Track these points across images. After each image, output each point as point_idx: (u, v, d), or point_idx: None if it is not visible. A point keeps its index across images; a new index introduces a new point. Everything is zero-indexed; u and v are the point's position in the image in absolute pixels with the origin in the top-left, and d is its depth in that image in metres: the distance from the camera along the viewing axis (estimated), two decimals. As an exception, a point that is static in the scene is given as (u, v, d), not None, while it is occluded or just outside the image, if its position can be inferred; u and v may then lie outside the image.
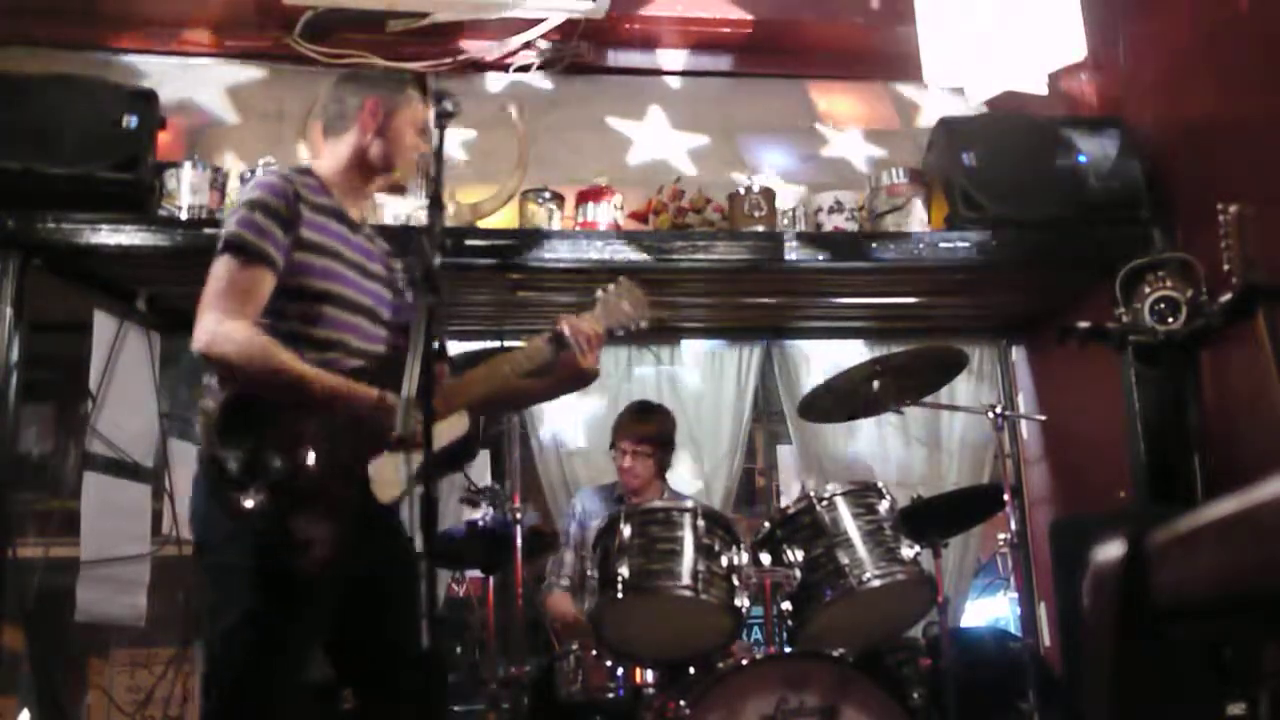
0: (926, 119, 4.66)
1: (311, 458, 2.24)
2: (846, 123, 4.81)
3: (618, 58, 4.75)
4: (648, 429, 4.01)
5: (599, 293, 2.75)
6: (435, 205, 2.14)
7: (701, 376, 4.98)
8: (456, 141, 4.43)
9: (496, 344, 3.21)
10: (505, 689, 3.47)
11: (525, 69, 4.59)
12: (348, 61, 4.42)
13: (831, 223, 4.18)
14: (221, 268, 2.34)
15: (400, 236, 3.81)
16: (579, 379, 2.69)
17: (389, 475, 2.34)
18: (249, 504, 2.16)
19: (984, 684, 3.62)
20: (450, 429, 2.43)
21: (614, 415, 4.25)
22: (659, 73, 4.78)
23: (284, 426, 2.25)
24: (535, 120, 4.39)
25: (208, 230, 3.82)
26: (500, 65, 4.57)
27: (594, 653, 3.31)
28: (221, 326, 2.27)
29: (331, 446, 2.27)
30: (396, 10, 4.38)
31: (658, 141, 4.64)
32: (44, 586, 3.91)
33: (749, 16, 4.66)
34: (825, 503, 3.21)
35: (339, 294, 2.44)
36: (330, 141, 2.63)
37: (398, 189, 2.73)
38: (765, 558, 3.19)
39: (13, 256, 3.66)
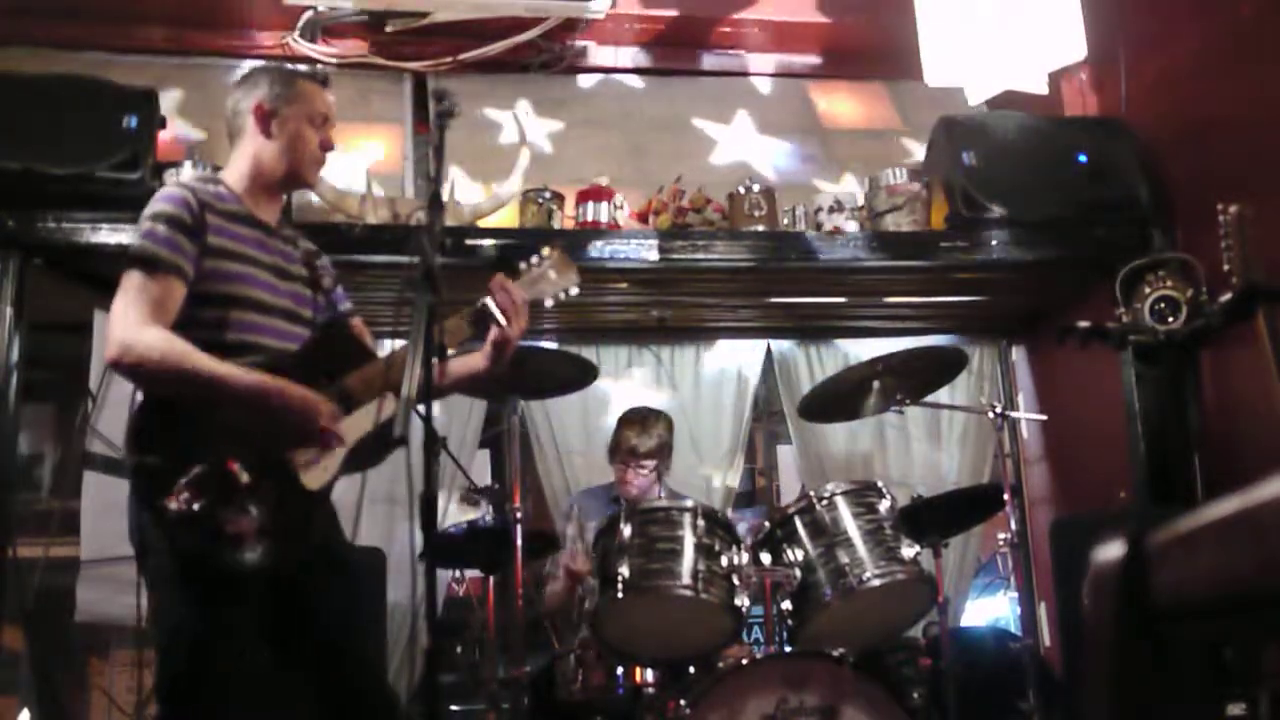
0: (926, 119, 4.66)
1: (232, 452, 2.24)
2: (846, 122, 4.82)
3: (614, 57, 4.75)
4: (648, 443, 3.99)
5: (522, 264, 2.73)
6: (435, 205, 2.14)
7: (701, 376, 4.98)
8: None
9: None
10: (505, 689, 3.46)
11: (526, 69, 4.59)
12: (348, 61, 4.43)
13: (831, 223, 4.18)
14: (130, 281, 2.35)
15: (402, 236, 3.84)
16: (506, 350, 2.61)
17: (315, 462, 2.36)
18: (176, 505, 2.17)
19: (984, 684, 3.62)
20: (380, 410, 2.42)
21: (614, 415, 4.24)
22: (652, 72, 4.78)
23: (201, 425, 2.26)
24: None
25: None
26: (500, 65, 4.57)
27: (594, 653, 3.31)
28: (134, 335, 2.28)
29: (251, 439, 2.28)
30: (396, 10, 4.38)
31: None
32: (44, 586, 3.91)
33: (750, 17, 4.66)
34: (825, 502, 3.21)
35: (251, 297, 2.45)
36: (234, 148, 2.64)
37: (304, 185, 2.72)
38: (765, 558, 3.19)
39: (13, 256, 3.66)
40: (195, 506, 2.18)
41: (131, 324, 2.29)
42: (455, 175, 4.25)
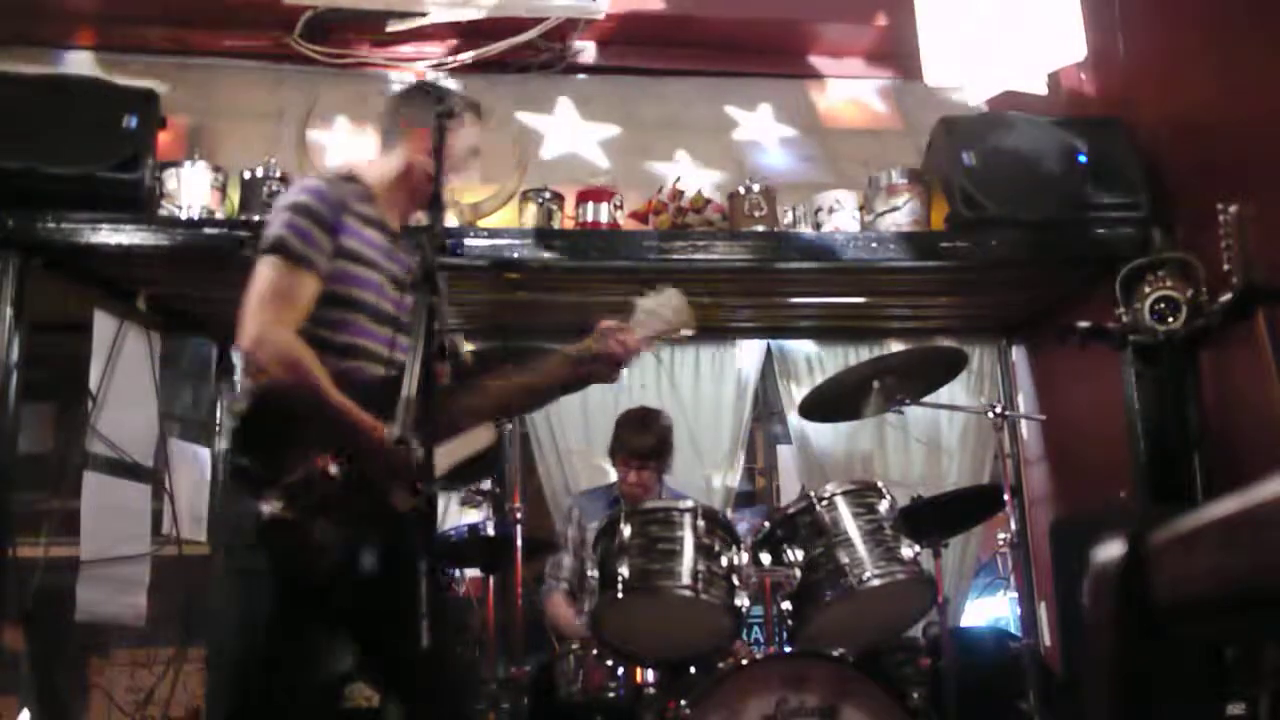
0: (926, 119, 4.66)
1: (333, 466, 2.24)
2: (845, 122, 4.81)
3: (614, 56, 4.74)
4: (648, 443, 3.99)
5: (638, 301, 2.71)
6: (435, 205, 2.15)
7: (701, 376, 4.98)
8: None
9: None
10: (505, 689, 3.47)
11: (525, 69, 4.59)
12: (347, 61, 4.43)
13: (831, 223, 4.18)
14: (266, 269, 2.33)
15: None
16: (591, 383, 2.68)
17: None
18: (269, 508, 2.17)
19: (984, 684, 3.62)
20: (475, 440, 2.45)
21: (613, 415, 4.24)
22: (651, 72, 4.78)
23: (309, 433, 2.25)
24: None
25: (208, 230, 3.82)
26: (500, 65, 4.57)
27: (594, 653, 3.31)
28: (269, 332, 2.27)
29: (353, 456, 2.26)
30: (396, 10, 4.38)
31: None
32: (44, 586, 3.91)
33: (747, 15, 4.65)
34: (825, 503, 3.21)
35: (369, 303, 2.44)
36: (379, 154, 2.63)
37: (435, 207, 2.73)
38: (765, 558, 3.19)
39: (13, 256, 3.66)
40: (288, 514, 2.17)
41: (268, 319, 2.28)
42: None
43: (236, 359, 2.46)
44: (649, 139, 4.64)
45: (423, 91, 2.72)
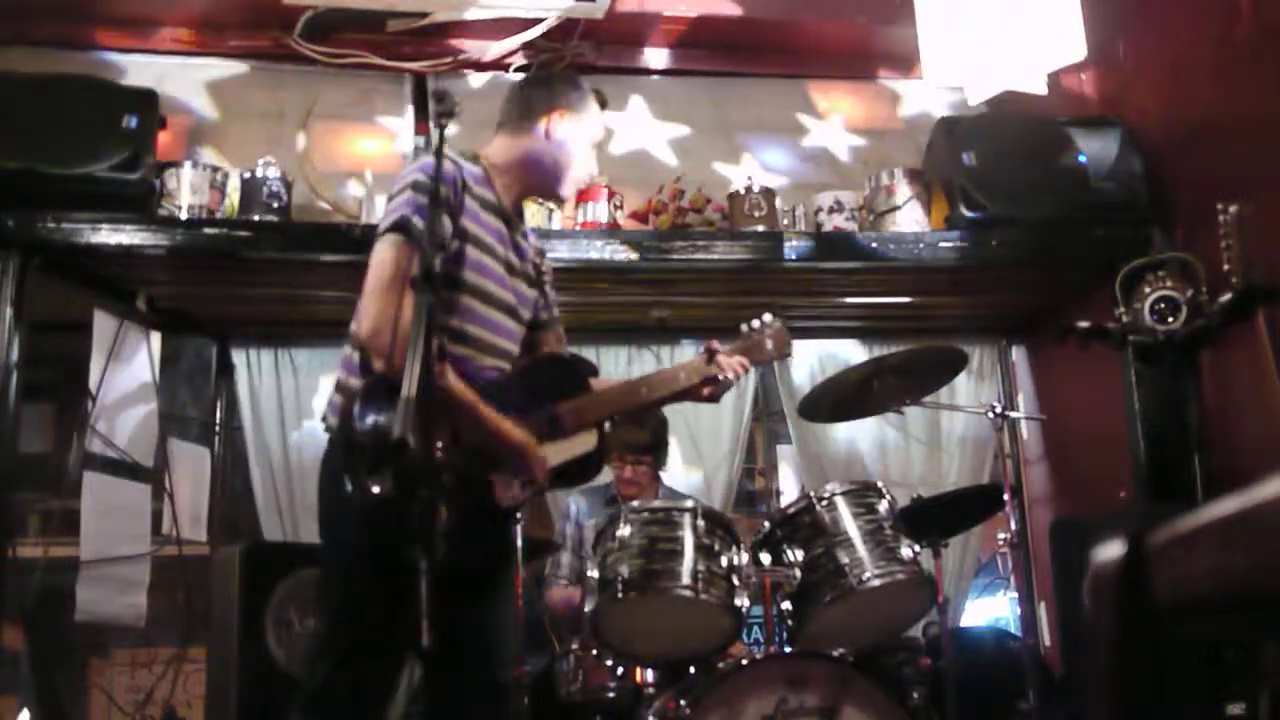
0: (926, 119, 4.66)
1: (440, 452, 2.22)
2: (845, 122, 4.81)
3: (611, 56, 4.74)
4: (642, 438, 3.98)
5: (744, 328, 2.73)
6: (435, 205, 2.14)
7: (701, 376, 4.97)
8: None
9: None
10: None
11: (525, 69, 4.58)
12: (348, 62, 4.43)
13: (831, 223, 4.18)
14: (387, 251, 2.27)
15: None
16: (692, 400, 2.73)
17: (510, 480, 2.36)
18: (374, 488, 2.15)
19: (984, 684, 3.61)
20: (578, 444, 2.46)
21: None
22: (651, 72, 4.78)
23: (419, 418, 2.24)
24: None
25: (208, 230, 3.82)
26: (500, 65, 4.57)
27: (594, 653, 3.31)
28: (387, 320, 2.21)
29: (460, 445, 2.24)
30: (396, 10, 4.38)
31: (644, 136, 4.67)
32: (44, 586, 3.92)
33: (747, 15, 4.65)
34: (825, 502, 3.21)
35: (482, 287, 2.41)
36: (504, 137, 2.59)
37: (557, 198, 2.73)
38: (765, 558, 3.19)
39: (13, 256, 3.66)
40: (393, 494, 2.16)
41: (387, 305, 2.22)
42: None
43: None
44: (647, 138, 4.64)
45: (552, 79, 2.70)
